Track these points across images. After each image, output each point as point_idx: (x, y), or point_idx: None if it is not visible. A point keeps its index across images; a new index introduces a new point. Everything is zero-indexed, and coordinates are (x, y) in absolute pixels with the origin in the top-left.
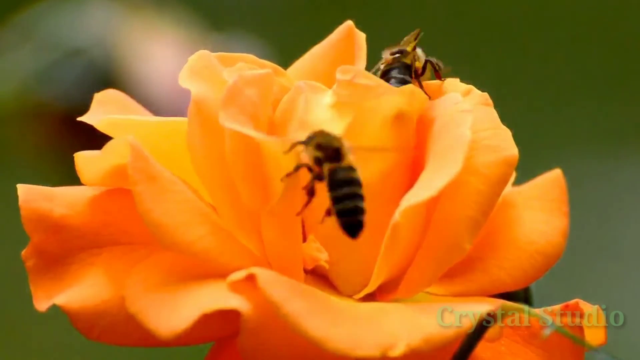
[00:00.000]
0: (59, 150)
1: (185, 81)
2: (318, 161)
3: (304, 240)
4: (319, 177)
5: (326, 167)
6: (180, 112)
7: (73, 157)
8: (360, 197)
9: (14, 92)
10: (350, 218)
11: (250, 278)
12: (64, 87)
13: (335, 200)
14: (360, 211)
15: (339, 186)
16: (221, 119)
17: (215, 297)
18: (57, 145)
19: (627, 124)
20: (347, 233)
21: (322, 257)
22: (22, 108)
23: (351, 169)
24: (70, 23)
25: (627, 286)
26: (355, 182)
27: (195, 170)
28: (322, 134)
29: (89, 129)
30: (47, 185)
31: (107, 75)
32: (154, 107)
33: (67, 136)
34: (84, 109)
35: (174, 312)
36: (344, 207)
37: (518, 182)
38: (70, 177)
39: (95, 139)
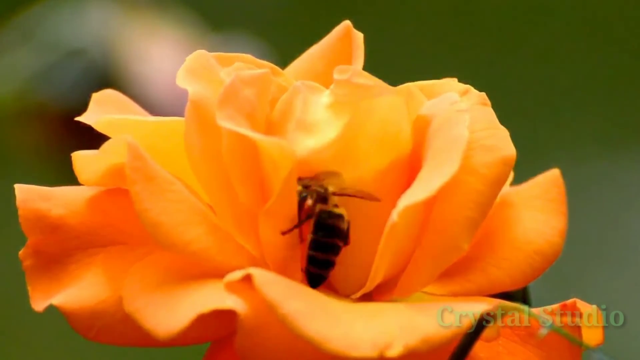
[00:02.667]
0: (58, 151)
1: (182, 81)
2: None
3: (301, 240)
4: (309, 215)
5: (317, 207)
6: (179, 112)
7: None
8: (337, 249)
9: (13, 92)
10: (318, 270)
11: (247, 278)
12: (63, 88)
13: (313, 244)
14: (329, 265)
15: (321, 230)
16: (218, 118)
17: (212, 297)
18: (56, 145)
19: (626, 125)
20: (308, 281)
21: None
22: (21, 108)
23: (340, 216)
24: (69, 24)
25: (626, 287)
26: (339, 232)
27: (192, 170)
28: (319, 178)
29: (88, 129)
30: (46, 186)
31: (106, 76)
32: (153, 108)
33: (67, 137)
34: (83, 109)
35: (171, 312)
36: (315, 256)
37: (515, 182)
38: (69, 178)
39: (94, 140)
